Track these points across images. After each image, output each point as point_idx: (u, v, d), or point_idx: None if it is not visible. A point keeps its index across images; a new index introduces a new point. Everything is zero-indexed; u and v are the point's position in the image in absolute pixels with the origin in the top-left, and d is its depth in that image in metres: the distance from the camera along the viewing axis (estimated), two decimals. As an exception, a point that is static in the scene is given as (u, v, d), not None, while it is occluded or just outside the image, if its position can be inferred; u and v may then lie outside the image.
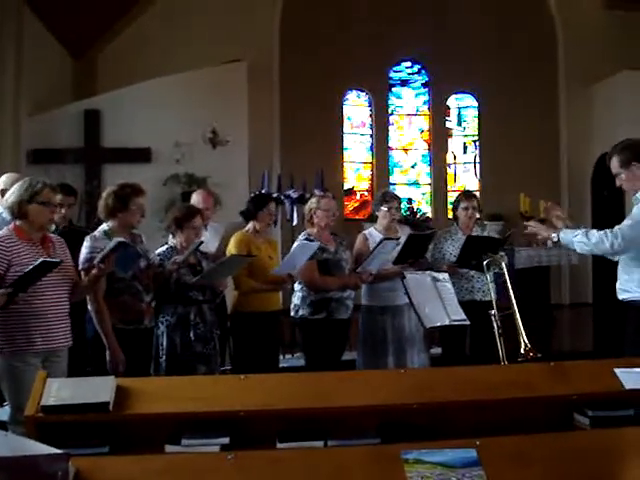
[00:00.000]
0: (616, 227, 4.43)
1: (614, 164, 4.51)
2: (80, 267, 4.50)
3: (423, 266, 5.81)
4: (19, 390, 3.75)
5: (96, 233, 4.75)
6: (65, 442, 2.51)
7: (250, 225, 5.84)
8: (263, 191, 8.86)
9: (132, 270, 4.71)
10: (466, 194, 6.59)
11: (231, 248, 5.70)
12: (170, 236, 5.36)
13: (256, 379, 3.11)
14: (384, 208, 6.00)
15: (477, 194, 9.41)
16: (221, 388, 3.04)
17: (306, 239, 5.65)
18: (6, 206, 4.19)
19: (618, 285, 4.58)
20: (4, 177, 5.64)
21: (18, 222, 4.13)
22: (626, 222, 4.46)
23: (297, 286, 5.77)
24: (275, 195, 9.03)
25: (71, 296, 4.28)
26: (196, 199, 6.19)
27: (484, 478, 2.25)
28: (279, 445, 2.76)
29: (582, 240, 4.49)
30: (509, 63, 13.34)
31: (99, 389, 2.82)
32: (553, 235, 4.65)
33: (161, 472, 2.25)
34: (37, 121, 10.21)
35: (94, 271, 4.27)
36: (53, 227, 4.62)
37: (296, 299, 5.73)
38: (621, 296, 4.56)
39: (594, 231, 4.49)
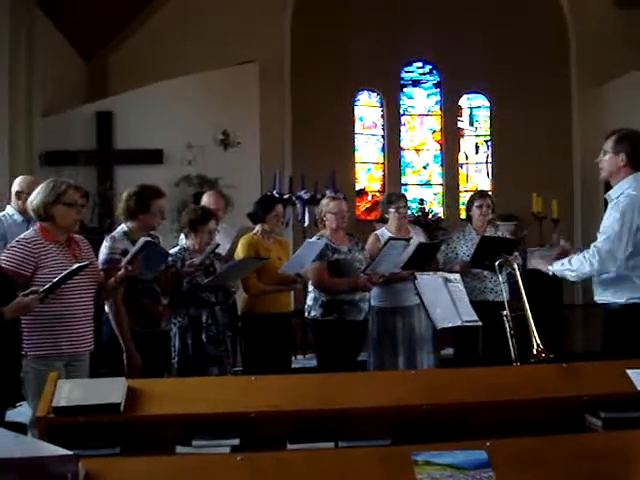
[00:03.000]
0: (592, 245, 4.36)
1: (609, 142, 4.46)
2: (100, 268, 4.51)
3: (433, 267, 5.80)
4: (41, 393, 3.76)
5: (115, 234, 4.75)
6: (76, 443, 2.52)
7: (258, 227, 5.83)
8: (275, 192, 8.87)
9: (157, 271, 4.71)
10: (480, 193, 6.59)
11: (239, 252, 5.70)
12: (182, 237, 5.37)
13: (266, 380, 3.12)
14: (392, 210, 6.00)
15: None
16: (232, 389, 3.04)
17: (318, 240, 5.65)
18: (31, 208, 4.19)
19: (593, 286, 4.57)
20: (18, 179, 5.68)
21: (44, 224, 4.12)
22: (600, 236, 4.36)
23: (310, 287, 5.77)
24: (287, 196, 9.05)
25: (96, 299, 4.28)
26: (207, 200, 6.20)
27: (494, 480, 2.24)
28: (289, 446, 2.75)
29: (567, 268, 4.48)
30: (521, 63, 13.29)
31: (110, 390, 2.83)
32: (549, 268, 4.66)
33: (172, 473, 2.25)
34: (50, 123, 10.26)
35: (121, 272, 4.27)
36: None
37: (309, 300, 5.73)
38: (595, 297, 4.55)
39: (575, 256, 4.47)
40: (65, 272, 3.79)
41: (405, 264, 5.64)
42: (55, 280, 3.77)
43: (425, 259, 5.76)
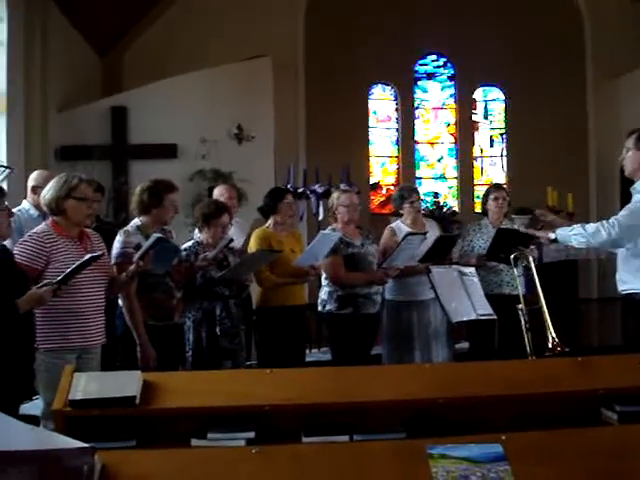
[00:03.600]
0: (612, 217, 4.40)
1: (630, 140, 4.48)
2: (113, 262, 4.53)
3: (449, 261, 5.79)
4: (53, 386, 3.77)
5: (129, 228, 4.78)
6: (92, 436, 2.53)
7: (270, 220, 5.81)
8: (289, 186, 8.86)
9: (169, 266, 4.73)
10: (495, 185, 6.60)
11: (252, 245, 5.69)
12: (196, 231, 5.38)
13: (281, 373, 3.12)
14: (406, 204, 5.98)
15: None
16: (247, 382, 3.05)
17: (330, 233, 5.64)
18: (44, 203, 4.21)
19: (617, 276, 4.57)
20: (34, 174, 5.70)
21: (56, 218, 4.14)
22: (623, 212, 4.45)
23: (324, 281, 5.76)
24: (301, 190, 9.04)
25: (107, 292, 4.30)
26: (218, 193, 6.20)
27: (510, 473, 2.23)
28: (304, 439, 2.76)
29: (579, 232, 4.48)
30: (536, 55, 13.22)
31: (126, 383, 2.85)
32: (550, 234, 4.64)
33: (187, 466, 2.26)
34: (65, 118, 10.30)
35: (132, 267, 4.29)
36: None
37: (323, 294, 5.72)
38: (620, 287, 4.55)
39: (591, 223, 4.48)
40: (77, 263, 3.81)
41: (423, 257, 5.63)
42: (67, 271, 3.79)
43: (443, 251, 5.75)
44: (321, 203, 8.89)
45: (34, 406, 4.25)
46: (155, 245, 4.29)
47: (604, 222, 4.39)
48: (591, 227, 4.44)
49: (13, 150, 8.98)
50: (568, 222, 4.87)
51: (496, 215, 6.12)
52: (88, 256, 3.86)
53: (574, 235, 4.50)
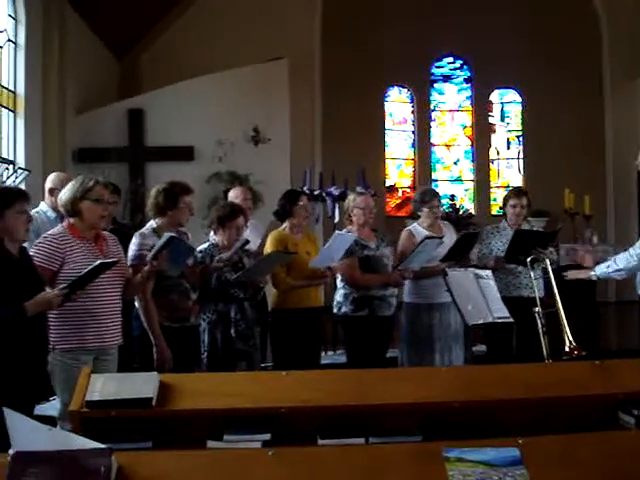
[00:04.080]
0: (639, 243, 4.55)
1: None
2: (129, 264, 4.55)
3: (466, 263, 5.76)
4: (70, 387, 3.78)
5: (145, 230, 4.80)
6: (109, 437, 2.54)
7: (286, 223, 5.81)
8: (305, 188, 8.87)
9: (183, 266, 4.74)
10: (516, 191, 6.39)
11: (268, 247, 5.69)
12: (212, 233, 5.39)
13: (297, 375, 3.12)
14: (426, 208, 5.96)
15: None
16: (263, 384, 3.05)
17: (345, 235, 5.63)
18: (60, 204, 4.24)
19: (638, 279, 4.58)
20: (52, 176, 5.72)
21: (72, 220, 4.17)
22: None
23: (339, 283, 5.75)
24: (317, 192, 9.05)
25: (124, 294, 4.32)
26: (233, 195, 6.22)
27: (527, 477, 2.22)
28: (320, 442, 2.76)
29: (615, 270, 4.56)
30: (553, 57, 13.18)
31: (142, 385, 2.85)
32: (592, 274, 4.71)
33: (203, 467, 2.26)
34: (82, 121, 10.37)
35: (147, 268, 4.31)
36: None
37: (338, 296, 5.72)
38: (639, 291, 4.55)
39: (620, 255, 4.55)
40: (87, 269, 3.81)
41: (446, 256, 5.61)
42: (78, 277, 3.80)
43: (464, 249, 5.74)
44: (337, 205, 8.89)
45: (51, 407, 4.28)
46: (168, 245, 4.30)
47: (630, 250, 4.59)
48: (621, 259, 4.59)
49: (31, 152, 9.05)
50: (594, 254, 4.94)
51: (514, 220, 6.08)
52: (98, 262, 3.87)
53: (612, 272, 4.60)
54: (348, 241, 5.49)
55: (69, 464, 2.00)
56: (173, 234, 4.42)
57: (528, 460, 2.28)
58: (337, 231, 5.74)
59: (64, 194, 4.20)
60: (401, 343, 5.95)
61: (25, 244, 4.04)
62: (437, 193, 6.24)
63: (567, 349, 4.25)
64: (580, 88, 13.16)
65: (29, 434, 2.14)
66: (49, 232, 4.18)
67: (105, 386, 2.84)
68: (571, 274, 5.05)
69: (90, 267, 3.82)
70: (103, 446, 2.12)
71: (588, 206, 11.12)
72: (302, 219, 5.82)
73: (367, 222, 5.71)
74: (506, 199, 6.22)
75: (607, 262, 4.61)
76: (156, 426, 2.81)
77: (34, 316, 3.69)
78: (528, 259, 5.21)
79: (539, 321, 4.65)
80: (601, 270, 4.62)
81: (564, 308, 4.46)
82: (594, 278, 4.73)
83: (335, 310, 5.74)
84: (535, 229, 6.24)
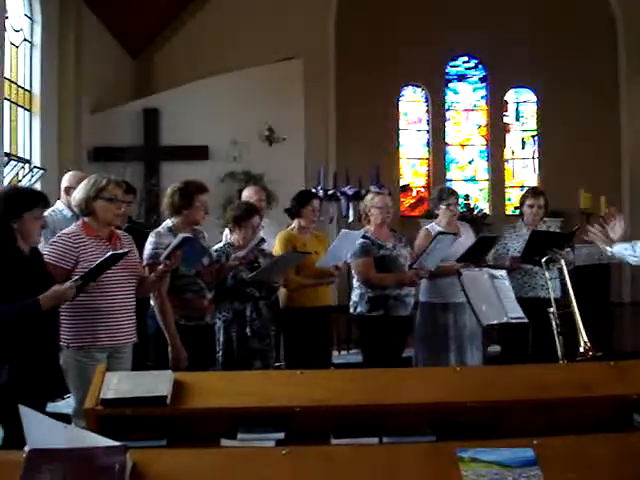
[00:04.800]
0: None
1: None
2: (145, 263, 4.57)
3: (481, 264, 5.74)
4: (83, 384, 3.79)
5: (160, 229, 4.82)
6: (123, 435, 2.55)
7: (295, 223, 5.83)
8: (319, 188, 8.88)
9: (197, 266, 4.76)
10: (534, 191, 6.35)
11: (277, 248, 5.71)
12: (225, 232, 5.40)
13: (311, 375, 3.12)
14: (443, 206, 5.94)
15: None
16: (277, 383, 3.05)
17: (363, 237, 5.62)
18: (74, 204, 4.27)
19: None
20: (68, 175, 5.75)
21: (86, 219, 4.19)
22: None
23: (355, 283, 5.75)
24: (331, 192, 9.05)
25: (137, 292, 4.33)
26: (247, 194, 6.23)
27: (541, 478, 2.21)
28: (333, 441, 2.76)
29: (631, 254, 4.45)
30: (568, 56, 13.12)
31: (157, 383, 2.86)
32: (608, 249, 4.61)
33: (217, 466, 2.27)
34: (98, 120, 10.42)
35: (161, 267, 4.32)
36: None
37: (354, 296, 5.71)
38: None
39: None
40: (99, 260, 3.83)
41: (462, 256, 5.60)
42: (90, 269, 3.83)
43: (481, 252, 5.72)
44: (351, 205, 8.89)
45: (66, 405, 4.29)
46: (182, 245, 4.32)
47: None
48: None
49: (47, 151, 9.11)
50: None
51: (531, 220, 6.05)
52: (109, 253, 3.89)
53: (628, 256, 4.51)
54: (355, 238, 5.49)
55: (84, 461, 2.01)
56: (188, 235, 4.43)
57: (542, 461, 2.27)
58: (343, 229, 5.73)
59: (77, 193, 4.22)
60: (416, 342, 5.94)
61: (41, 242, 4.06)
62: (455, 191, 6.21)
63: (582, 350, 4.23)
64: (596, 87, 13.08)
65: (44, 432, 2.15)
66: (63, 231, 4.20)
67: (120, 384, 2.85)
68: (592, 235, 4.95)
69: (101, 258, 3.84)
70: (118, 444, 2.13)
71: (604, 206, 11.06)
72: (310, 222, 5.83)
73: (384, 222, 5.70)
74: (523, 199, 6.19)
75: (628, 244, 4.54)
76: (170, 424, 2.82)
77: (46, 312, 3.71)
78: (543, 259, 5.19)
79: (554, 322, 4.63)
80: (619, 248, 4.55)
81: (579, 309, 4.44)
82: (608, 252, 4.66)
83: (351, 310, 5.74)
84: (552, 230, 6.20)
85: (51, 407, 4.03)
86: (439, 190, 6.25)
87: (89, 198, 4.15)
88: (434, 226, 5.99)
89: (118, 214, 4.26)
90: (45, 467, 2.00)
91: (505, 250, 6.01)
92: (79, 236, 4.10)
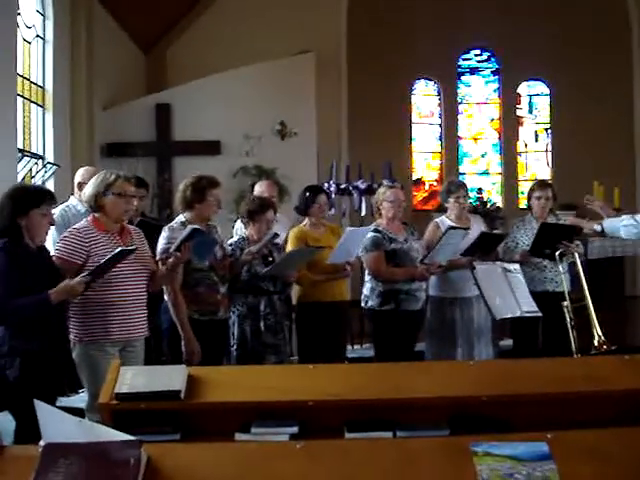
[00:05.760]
0: None
1: None
2: (157, 257, 4.58)
3: (492, 258, 5.72)
4: (96, 378, 3.83)
5: (174, 224, 4.83)
6: (138, 429, 2.56)
7: (306, 219, 5.84)
8: (331, 182, 8.88)
9: (209, 258, 4.76)
10: (540, 183, 6.38)
11: (289, 244, 5.71)
12: (236, 225, 5.41)
13: (325, 369, 3.12)
14: (452, 199, 5.93)
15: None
16: (291, 378, 3.05)
17: (375, 230, 5.62)
18: (85, 200, 4.30)
19: None
20: (81, 170, 5.78)
21: (96, 214, 4.22)
22: None
23: (367, 277, 5.75)
24: (343, 186, 9.05)
25: (149, 286, 4.35)
26: (259, 189, 6.24)
27: (556, 472, 2.20)
28: (347, 435, 2.76)
29: (629, 223, 4.35)
30: (581, 49, 13.04)
31: (171, 378, 2.87)
32: (596, 226, 4.53)
33: (231, 460, 2.27)
34: (110, 115, 10.44)
35: (171, 259, 4.34)
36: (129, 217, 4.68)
37: (365, 290, 5.71)
38: None
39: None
40: (109, 256, 3.86)
41: (466, 250, 5.58)
42: (98, 264, 3.84)
43: (486, 249, 5.69)
44: (364, 199, 8.89)
45: (79, 399, 4.32)
46: (192, 237, 4.33)
47: None
48: None
49: (59, 147, 9.13)
50: (615, 212, 4.77)
51: (539, 213, 6.03)
52: (118, 249, 3.91)
53: (623, 226, 4.39)
54: (362, 234, 5.49)
55: (100, 456, 2.02)
56: (196, 226, 4.44)
57: (557, 455, 2.26)
58: (348, 227, 5.73)
59: (87, 189, 4.26)
60: (425, 336, 5.93)
61: (52, 237, 4.08)
62: (463, 184, 6.20)
63: (596, 343, 4.22)
64: (609, 79, 13.00)
65: (59, 426, 2.16)
66: (74, 226, 4.23)
67: (134, 379, 2.86)
68: (576, 220, 4.89)
69: (111, 254, 3.86)
70: (132, 438, 2.14)
71: (617, 199, 10.98)
72: (317, 218, 5.82)
73: (396, 215, 5.69)
74: (531, 191, 6.17)
75: (625, 216, 4.46)
76: (185, 418, 2.83)
77: (55, 307, 3.74)
78: (557, 253, 5.17)
79: (567, 315, 4.62)
80: (611, 222, 4.47)
81: (592, 302, 4.42)
82: (597, 229, 4.58)
83: (362, 304, 5.74)
84: (562, 222, 6.17)
85: (64, 401, 4.07)
86: (447, 183, 6.25)
87: (98, 194, 4.18)
88: (444, 220, 5.98)
89: (128, 209, 4.28)
90: (61, 461, 2.01)
91: (514, 244, 5.99)
92: (90, 231, 4.13)
